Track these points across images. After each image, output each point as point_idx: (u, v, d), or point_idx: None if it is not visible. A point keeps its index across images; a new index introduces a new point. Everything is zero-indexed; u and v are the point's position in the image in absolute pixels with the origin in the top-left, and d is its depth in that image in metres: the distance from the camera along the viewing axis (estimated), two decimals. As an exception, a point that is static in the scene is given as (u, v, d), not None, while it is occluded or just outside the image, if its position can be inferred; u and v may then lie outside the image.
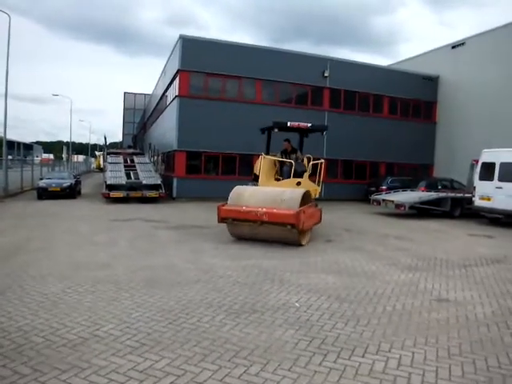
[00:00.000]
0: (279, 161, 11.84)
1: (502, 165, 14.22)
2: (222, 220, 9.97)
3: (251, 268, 7.48)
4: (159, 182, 20.73)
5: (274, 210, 9.36)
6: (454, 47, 24.95)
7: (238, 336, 4.47)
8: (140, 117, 53.19)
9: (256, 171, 12.22)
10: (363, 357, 4.08)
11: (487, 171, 14.77)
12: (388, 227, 13.77)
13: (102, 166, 53.55)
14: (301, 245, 9.73)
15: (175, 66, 22.03)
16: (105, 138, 35.42)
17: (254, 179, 12.06)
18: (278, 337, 4.48)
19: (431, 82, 26.18)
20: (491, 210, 14.72)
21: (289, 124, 11.41)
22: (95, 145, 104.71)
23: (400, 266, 8.11)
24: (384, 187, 21.35)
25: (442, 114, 25.98)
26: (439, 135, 26.28)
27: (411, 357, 4.11)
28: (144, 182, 20.55)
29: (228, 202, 10.14)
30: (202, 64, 21.12)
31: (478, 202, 15.15)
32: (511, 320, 5.25)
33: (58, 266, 7.17)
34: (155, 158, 28.16)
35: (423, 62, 26.75)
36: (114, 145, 63.09)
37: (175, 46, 22.64)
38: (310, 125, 11.79)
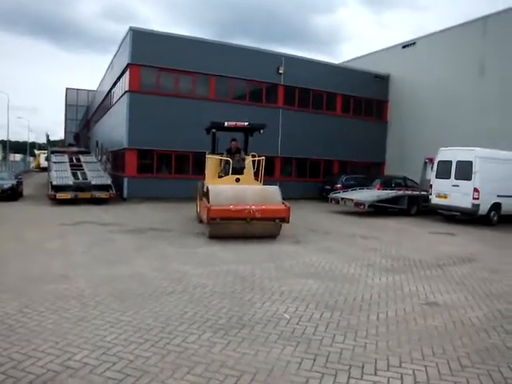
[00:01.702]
0: (221, 159, 12.12)
1: (459, 163, 14.50)
2: (210, 220, 9.83)
3: (225, 275, 6.99)
4: (109, 182, 19.60)
5: (263, 207, 9.84)
6: (404, 47, 25.41)
7: (234, 357, 3.98)
8: (83, 113, 50.77)
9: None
10: (376, 375, 3.73)
11: (444, 169, 15.03)
12: (351, 226, 13.68)
13: (41, 166, 50.71)
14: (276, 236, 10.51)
15: (125, 59, 20.89)
16: (47, 137, 33.30)
17: (205, 178, 12.36)
18: (277, 356, 4.03)
19: (382, 80, 26.56)
20: (448, 208, 15.00)
21: (226, 124, 11.70)
22: (33, 143, 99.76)
23: (377, 267, 7.91)
24: (339, 185, 21.44)
25: (394, 112, 26.43)
26: (391, 133, 26.74)
27: (425, 371, 3.82)
28: (93, 182, 19.33)
29: (210, 203, 9.84)
30: (153, 58, 20.13)
31: (434, 200, 15.42)
32: (506, 324, 5.12)
33: (9, 281, 6.31)
34: (103, 156, 26.77)
35: (374, 60, 27.03)
36: (55, 143, 59.91)
37: (124, 38, 21.48)
38: (247, 123, 12.06)
